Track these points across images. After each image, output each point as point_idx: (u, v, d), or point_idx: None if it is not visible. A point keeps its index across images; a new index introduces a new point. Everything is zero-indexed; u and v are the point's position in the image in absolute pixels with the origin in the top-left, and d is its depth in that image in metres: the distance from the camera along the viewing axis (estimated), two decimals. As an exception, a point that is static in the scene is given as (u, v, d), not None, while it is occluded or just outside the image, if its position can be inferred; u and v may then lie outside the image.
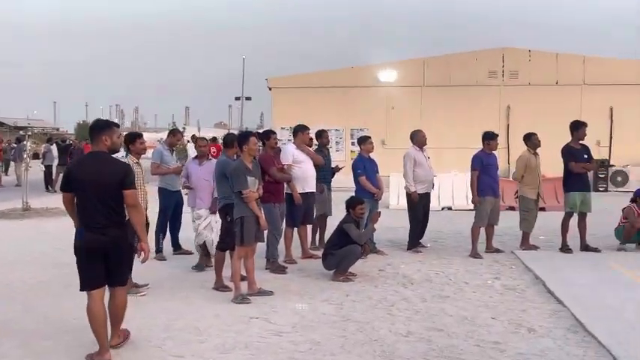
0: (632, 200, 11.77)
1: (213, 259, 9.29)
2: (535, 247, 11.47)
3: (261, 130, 13.22)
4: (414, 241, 11.52)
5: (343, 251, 9.14)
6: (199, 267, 9.84)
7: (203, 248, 9.89)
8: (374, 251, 10.96)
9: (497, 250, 11.36)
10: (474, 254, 11.00)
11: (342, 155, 24.18)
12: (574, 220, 11.23)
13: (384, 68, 26.36)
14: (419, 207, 11.35)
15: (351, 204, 9.60)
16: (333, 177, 11.99)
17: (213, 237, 9.64)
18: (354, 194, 10.64)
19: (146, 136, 14.28)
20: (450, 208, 18.10)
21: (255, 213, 8.04)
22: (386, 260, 10.65)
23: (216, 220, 9.58)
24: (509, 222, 12.39)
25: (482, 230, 11.29)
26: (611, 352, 6.07)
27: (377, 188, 11.09)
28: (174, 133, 11.74)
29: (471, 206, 11.55)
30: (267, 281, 8.82)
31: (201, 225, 9.77)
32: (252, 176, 8.07)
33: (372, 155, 11.44)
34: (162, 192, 10.94)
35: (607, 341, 6.30)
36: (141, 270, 7.94)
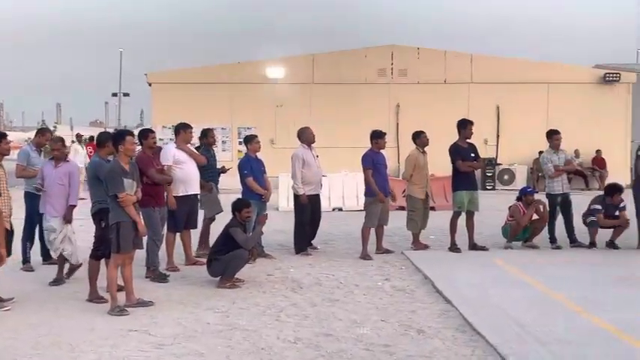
0: (518, 198, 12.01)
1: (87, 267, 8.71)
2: (425, 247, 11.52)
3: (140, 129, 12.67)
4: (301, 244, 11.31)
5: (229, 256, 8.88)
6: (58, 282, 9.12)
7: (61, 261, 9.23)
8: (262, 255, 10.68)
9: (388, 251, 11.34)
10: (365, 256, 10.94)
11: (228, 155, 23.63)
12: (462, 219, 11.36)
13: (272, 64, 25.95)
14: (307, 209, 11.15)
15: (237, 207, 9.35)
16: (219, 177, 11.68)
17: (72, 249, 9.02)
18: (240, 196, 10.36)
19: (12, 135, 13.46)
20: (340, 209, 18.01)
21: (132, 218, 7.68)
22: (274, 264, 10.44)
23: (73, 231, 9.04)
24: (398, 222, 12.40)
25: (373, 231, 11.21)
26: (497, 350, 6.16)
27: (265, 189, 10.89)
28: (43, 132, 11.11)
29: (362, 207, 11.46)
30: (147, 291, 8.45)
31: (57, 239, 9.01)
32: (129, 178, 7.70)
33: (260, 155, 11.26)
34: (29, 196, 10.11)
35: (494, 340, 6.40)
36: (5, 282, 7.47)
